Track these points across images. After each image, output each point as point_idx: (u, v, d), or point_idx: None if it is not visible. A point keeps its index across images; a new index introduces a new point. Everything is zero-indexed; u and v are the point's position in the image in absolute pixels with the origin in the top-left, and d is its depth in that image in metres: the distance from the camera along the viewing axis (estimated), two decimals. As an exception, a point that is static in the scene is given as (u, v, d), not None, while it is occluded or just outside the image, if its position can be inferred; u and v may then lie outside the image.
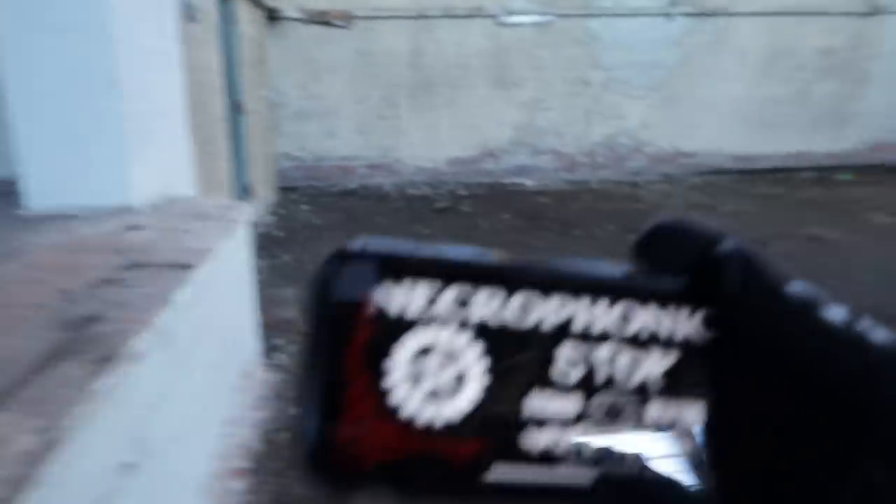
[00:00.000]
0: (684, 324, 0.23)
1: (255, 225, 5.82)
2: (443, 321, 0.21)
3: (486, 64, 8.82)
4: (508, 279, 0.22)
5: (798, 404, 0.20)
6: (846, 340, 0.20)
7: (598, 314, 0.23)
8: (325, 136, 8.69)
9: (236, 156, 5.69)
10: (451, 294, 0.22)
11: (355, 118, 8.71)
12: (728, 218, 6.75)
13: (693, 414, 0.23)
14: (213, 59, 4.91)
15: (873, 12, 9.61)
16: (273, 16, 7.92)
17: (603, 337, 0.23)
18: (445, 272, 0.22)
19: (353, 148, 8.81)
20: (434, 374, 0.21)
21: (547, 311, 0.22)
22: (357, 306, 0.21)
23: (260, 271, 4.75)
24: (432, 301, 0.22)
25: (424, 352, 0.21)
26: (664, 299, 0.23)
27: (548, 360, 0.22)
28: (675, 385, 0.23)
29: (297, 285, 4.63)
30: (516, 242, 5.84)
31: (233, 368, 2.64)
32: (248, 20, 6.52)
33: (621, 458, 0.22)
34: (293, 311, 4.17)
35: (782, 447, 0.20)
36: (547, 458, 0.22)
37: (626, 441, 0.22)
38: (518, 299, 0.22)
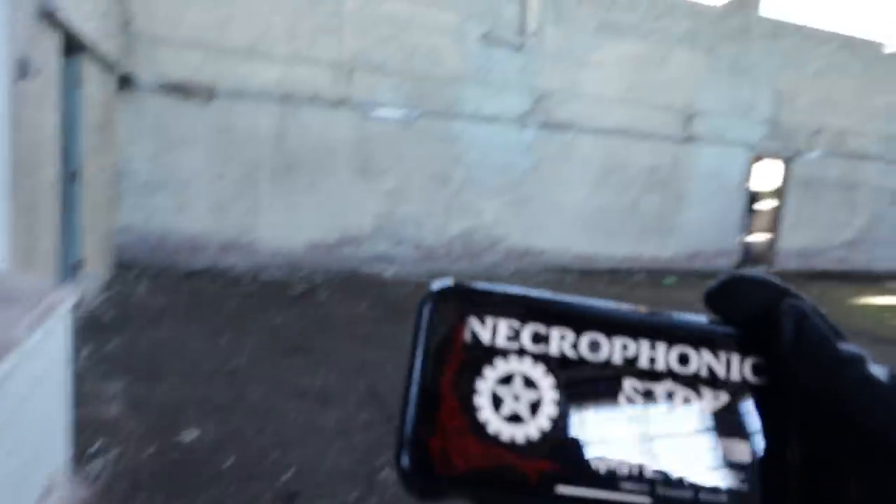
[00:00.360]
0: (737, 369, 0.26)
1: (82, 306, 5.15)
2: (523, 353, 0.25)
3: (351, 152, 8.92)
4: (581, 318, 0.26)
5: (845, 447, 0.23)
6: (888, 392, 0.22)
7: (659, 354, 0.26)
8: (175, 210, 8.13)
9: (67, 227, 5.08)
10: (530, 329, 0.25)
11: (210, 194, 8.28)
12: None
13: (741, 451, 0.25)
14: (48, 120, 4.45)
15: (688, 140, 11.20)
16: (126, 82, 7.46)
17: (662, 375, 0.25)
18: (526, 309, 0.25)
19: (205, 225, 8.30)
20: (514, 399, 0.24)
21: (613, 349, 0.25)
22: (452, 336, 0.25)
23: (82, 360, 4.15)
24: (514, 335, 0.25)
25: (507, 379, 0.25)
26: (721, 345, 0.26)
27: (613, 392, 0.25)
28: (725, 423, 0.25)
29: (127, 377, 4.09)
30: (374, 333, 5.70)
31: (33, 484, 2.19)
32: (96, 82, 6.06)
33: (679, 482, 0.24)
34: (118, 407, 3.64)
35: (831, 485, 0.23)
36: (610, 479, 0.24)
37: (683, 469, 0.25)
38: (588, 337, 0.25)
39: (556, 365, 0.25)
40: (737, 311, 0.26)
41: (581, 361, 0.25)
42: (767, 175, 12.46)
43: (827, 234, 12.83)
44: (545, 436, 0.24)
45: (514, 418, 0.24)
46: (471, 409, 0.24)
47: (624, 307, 0.27)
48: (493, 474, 0.24)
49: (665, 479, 0.25)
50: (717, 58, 11.22)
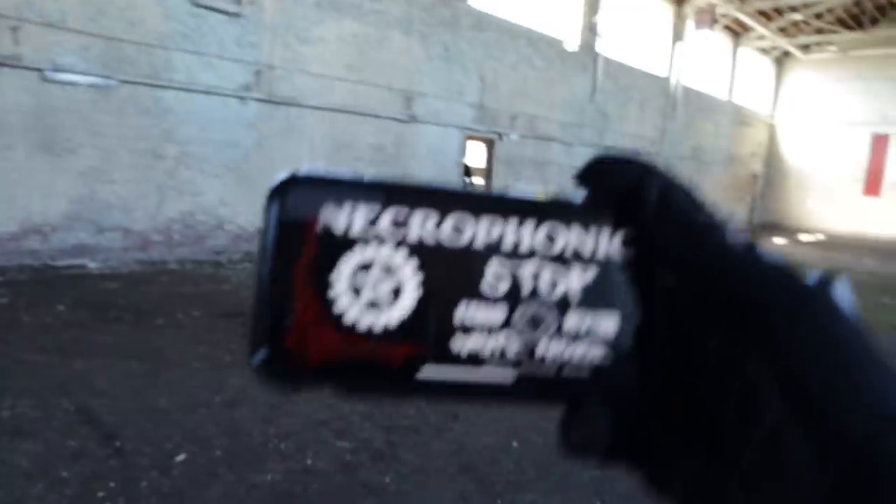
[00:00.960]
0: (604, 244, 0.25)
1: None
2: (381, 240, 0.24)
3: (29, 123, 7.30)
4: (442, 201, 0.24)
5: (700, 314, 0.23)
6: (742, 256, 0.23)
7: (525, 234, 0.25)
8: None
9: None
10: (389, 215, 0.24)
11: None
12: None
13: (608, 323, 0.25)
14: None
15: (410, 120, 11.75)
16: None
17: (529, 254, 0.25)
18: (384, 195, 0.24)
19: None
20: (373, 287, 0.24)
21: (478, 230, 0.25)
22: (303, 226, 0.23)
23: None
24: (372, 222, 0.24)
25: (365, 267, 0.24)
26: (587, 222, 0.25)
27: (477, 274, 0.24)
28: (592, 298, 0.25)
29: None
30: (79, 341, 4.78)
31: None
32: None
33: (541, 361, 0.25)
34: None
35: (691, 352, 0.24)
36: (473, 360, 0.24)
37: (545, 347, 0.25)
38: (451, 220, 0.24)
39: (418, 249, 0.24)
40: (605, 188, 0.26)
41: (444, 245, 0.24)
42: (478, 153, 13.79)
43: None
44: (407, 321, 0.24)
45: (373, 305, 0.24)
46: (327, 301, 0.23)
47: (489, 191, 0.26)
48: (353, 363, 0.24)
49: (529, 357, 0.25)
50: (431, 44, 11.91)
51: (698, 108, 19.75)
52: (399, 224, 0.24)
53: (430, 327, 0.24)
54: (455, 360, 0.24)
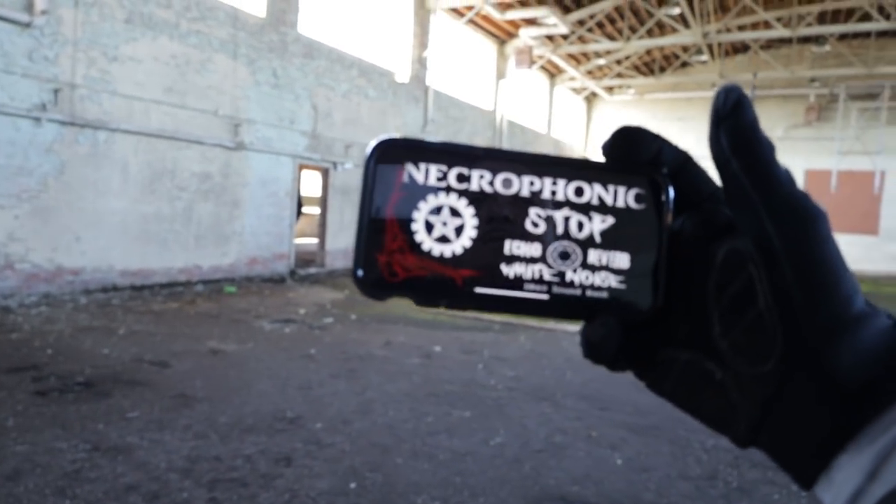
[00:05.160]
0: (623, 198, 0.32)
1: None
2: (449, 190, 0.32)
3: None
4: (496, 161, 0.32)
5: (714, 233, 0.31)
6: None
7: (559, 188, 0.32)
8: None
9: None
10: (455, 171, 0.32)
11: None
12: (127, 339, 6.26)
13: (622, 259, 0.32)
14: None
15: (238, 147, 11.17)
16: None
17: (561, 204, 0.32)
18: (452, 156, 0.32)
19: None
20: (442, 225, 0.31)
21: (522, 184, 0.32)
22: (394, 177, 0.31)
23: None
24: (443, 176, 0.32)
25: (436, 210, 0.31)
26: (610, 180, 0.32)
27: (521, 218, 0.32)
28: (610, 240, 0.32)
29: None
30: None
31: None
32: None
33: (570, 284, 0.32)
34: None
35: (699, 263, 0.31)
36: (517, 282, 0.32)
37: (572, 274, 0.32)
38: (501, 175, 0.32)
39: (476, 198, 0.32)
40: (625, 153, 0.32)
41: (496, 195, 0.32)
42: (312, 183, 13.46)
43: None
44: (467, 251, 0.32)
45: (443, 239, 0.31)
46: (409, 233, 0.31)
47: (534, 152, 0.33)
48: (427, 279, 0.31)
49: (560, 282, 0.32)
50: (259, 69, 11.50)
51: (522, 140, 21.19)
52: (462, 178, 0.32)
53: (484, 257, 0.32)
54: (504, 282, 0.32)
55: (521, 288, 0.32)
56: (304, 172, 13.24)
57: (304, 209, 14.34)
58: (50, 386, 4.65)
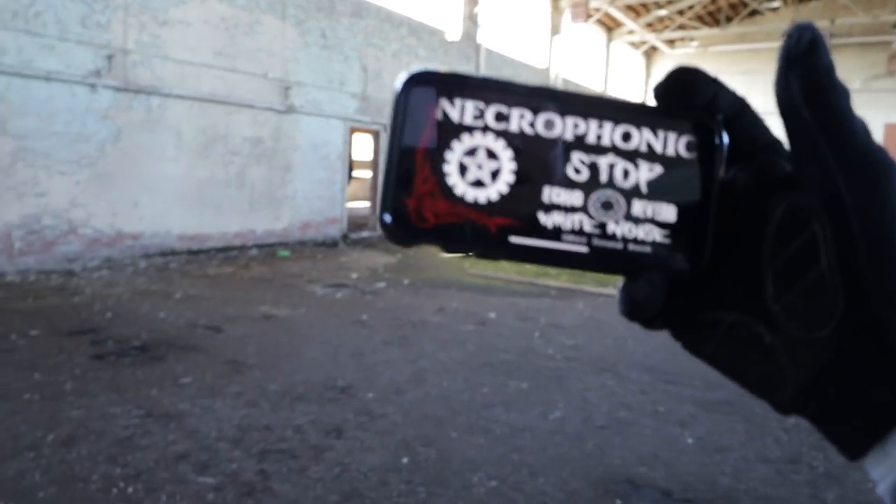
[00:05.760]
0: (673, 146, 0.29)
1: None
2: (486, 130, 0.28)
3: None
4: (539, 100, 0.29)
5: (773, 187, 0.28)
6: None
7: (605, 132, 0.29)
8: None
9: None
10: (493, 109, 0.28)
11: None
12: (183, 303, 6.31)
13: (668, 211, 0.29)
14: None
15: (289, 111, 11.08)
16: None
17: (606, 149, 0.29)
18: (490, 92, 0.29)
19: None
20: (477, 168, 0.28)
21: (565, 126, 0.29)
22: (425, 114, 0.28)
23: None
24: (479, 114, 0.28)
25: (472, 151, 0.28)
26: (660, 125, 0.29)
27: (563, 163, 0.29)
28: (656, 190, 0.29)
29: None
30: None
31: None
32: None
33: (612, 237, 0.29)
34: None
35: (756, 218, 0.28)
36: (555, 233, 0.29)
37: (614, 226, 0.29)
38: (543, 116, 0.29)
39: (515, 140, 0.29)
40: (678, 97, 0.29)
41: (537, 137, 0.29)
42: (364, 146, 13.32)
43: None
44: (503, 198, 0.28)
45: (478, 183, 0.28)
46: (441, 175, 0.28)
47: (579, 91, 0.30)
48: (459, 227, 0.28)
49: (601, 234, 0.29)
50: (308, 30, 11.29)
51: (577, 99, 20.39)
52: (501, 118, 0.28)
53: (521, 204, 0.29)
54: (541, 232, 0.29)
55: (558, 239, 0.29)
56: (356, 135, 13.09)
57: (356, 173, 14.25)
58: (107, 350, 4.69)
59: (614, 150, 0.29)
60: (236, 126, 10.32)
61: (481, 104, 0.28)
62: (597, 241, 0.29)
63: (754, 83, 22.89)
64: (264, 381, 4.20)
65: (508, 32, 16.75)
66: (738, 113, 0.29)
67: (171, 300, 6.47)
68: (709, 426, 3.82)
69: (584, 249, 0.29)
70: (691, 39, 23.16)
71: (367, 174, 13.91)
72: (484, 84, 0.29)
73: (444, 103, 0.28)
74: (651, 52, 24.92)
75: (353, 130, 12.60)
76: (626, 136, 0.29)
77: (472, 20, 15.06)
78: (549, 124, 0.29)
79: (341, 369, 4.54)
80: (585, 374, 4.72)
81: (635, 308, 0.29)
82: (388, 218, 0.28)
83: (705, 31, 22.01)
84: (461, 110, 0.28)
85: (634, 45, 23.64)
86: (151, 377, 4.17)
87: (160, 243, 9.29)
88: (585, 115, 0.29)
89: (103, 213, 8.57)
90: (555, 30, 18.45)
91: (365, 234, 12.95)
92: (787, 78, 0.27)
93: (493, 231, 0.29)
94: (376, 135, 13.16)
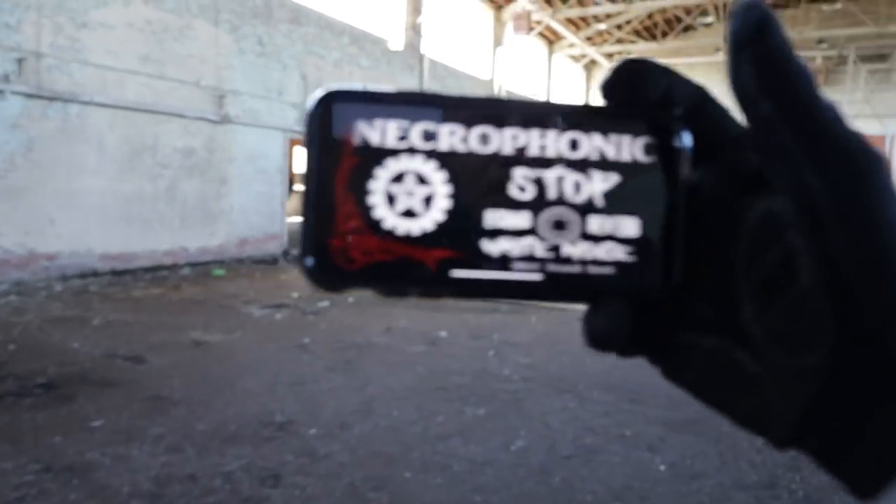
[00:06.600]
0: (628, 149, 0.26)
1: None
2: (413, 151, 0.25)
3: None
4: (470, 113, 0.26)
5: (745, 189, 0.25)
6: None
7: (548, 141, 0.26)
8: None
9: None
10: (419, 128, 0.25)
11: None
12: (101, 331, 5.68)
13: (630, 225, 0.26)
14: None
15: (223, 121, 10.48)
16: None
17: (552, 161, 0.26)
18: (414, 108, 0.26)
19: None
20: (407, 195, 0.25)
21: (503, 139, 0.26)
22: (342, 140, 0.25)
23: None
24: (404, 135, 0.25)
25: (399, 177, 0.25)
26: (611, 128, 0.26)
27: (504, 181, 0.26)
28: (614, 202, 0.26)
29: None
30: None
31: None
32: None
33: (567, 260, 0.26)
34: None
35: (726, 227, 0.25)
36: (503, 261, 0.26)
37: (570, 248, 0.26)
38: (477, 130, 0.26)
39: (447, 160, 0.26)
40: (628, 94, 0.26)
41: (471, 154, 0.26)
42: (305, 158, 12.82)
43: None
44: (440, 227, 0.25)
45: (409, 213, 0.25)
46: (365, 209, 0.25)
47: (515, 99, 0.27)
48: (392, 265, 0.25)
49: (556, 258, 0.26)
50: (243, 36, 10.75)
51: (521, 110, 20.43)
52: (429, 136, 0.25)
53: (461, 232, 0.26)
54: (487, 262, 0.26)
55: (507, 268, 0.26)
56: (297, 147, 12.56)
57: (297, 186, 13.70)
58: (5, 389, 4.08)
59: (561, 161, 0.26)
60: (166, 136, 9.66)
61: (405, 123, 0.25)
62: (551, 267, 0.26)
63: (689, 96, 23.58)
64: (191, 420, 3.70)
65: (452, 43, 16.59)
66: (699, 105, 0.26)
67: (87, 328, 5.83)
68: (680, 450, 3.58)
69: (537, 277, 0.26)
70: (629, 53, 23.66)
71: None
72: (405, 99, 0.26)
73: (362, 125, 0.25)
74: (591, 65, 25.33)
75: (293, 142, 12.08)
76: (574, 144, 0.26)
77: (415, 30, 14.80)
78: (484, 138, 0.26)
79: (280, 401, 4.09)
80: (545, 397, 4.42)
81: (600, 339, 0.26)
82: (309, 262, 0.25)
83: (643, 45, 22.52)
84: (382, 132, 0.25)
85: (575, 58, 23.96)
86: (56, 421, 3.61)
87: (80, 264, 8.53)
88: (525, 125, 0.26)
89: (13, 231, 7.78)
90: (498, 41, 18.44)
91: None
92: (739, 65, 0.22)
93: (432, 266, 0.25)
94: (317, 146, 12.67)
